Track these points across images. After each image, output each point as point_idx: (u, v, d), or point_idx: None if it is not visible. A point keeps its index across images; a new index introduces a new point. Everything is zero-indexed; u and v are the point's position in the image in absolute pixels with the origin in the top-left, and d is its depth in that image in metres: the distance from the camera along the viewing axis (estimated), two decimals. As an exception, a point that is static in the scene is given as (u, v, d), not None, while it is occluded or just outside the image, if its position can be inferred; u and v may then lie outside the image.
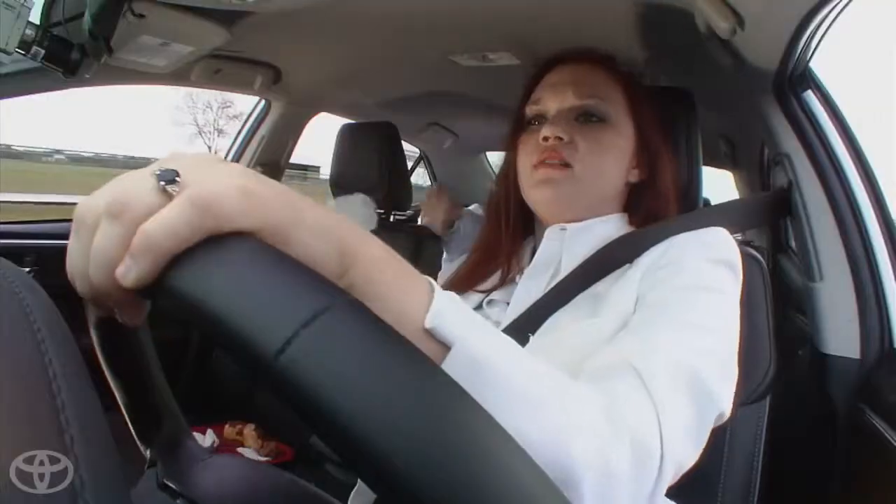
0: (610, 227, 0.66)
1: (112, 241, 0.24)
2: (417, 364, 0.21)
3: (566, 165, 0.64)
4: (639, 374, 0.43)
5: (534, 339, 0.58)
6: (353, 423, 0.19)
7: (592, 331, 0.53)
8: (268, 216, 0.25)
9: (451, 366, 0.30)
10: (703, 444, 0.45)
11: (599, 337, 0.52)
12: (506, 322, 0.62)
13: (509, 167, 0.72)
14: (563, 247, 0.66)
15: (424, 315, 0.30)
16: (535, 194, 0.67)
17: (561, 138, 0.64)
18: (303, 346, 0.20)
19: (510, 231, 0.72)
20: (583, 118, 0.66)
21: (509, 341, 0.35)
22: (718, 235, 0.59)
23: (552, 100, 0.68)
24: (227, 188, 0.24)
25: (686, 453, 0.43)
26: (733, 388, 0.48)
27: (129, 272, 0.23)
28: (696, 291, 0.52)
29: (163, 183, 0.24)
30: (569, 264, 0.63)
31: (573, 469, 0.34)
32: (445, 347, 0.30)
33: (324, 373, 0.19)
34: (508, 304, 0.66)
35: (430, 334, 0.30)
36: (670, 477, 0.41)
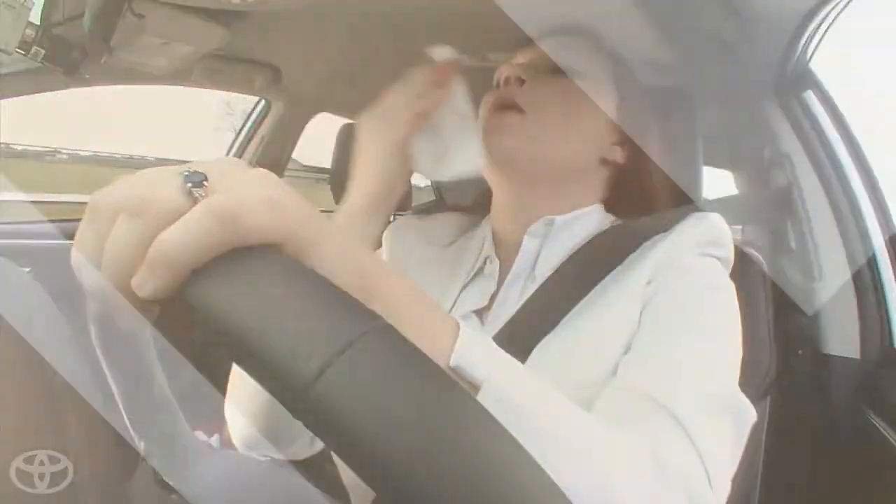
0: (591, 223, 0.55)
1: (129, 241, 0.22)
2: (455, 395, 0.21)
3: (519, 111, 0.52)
4: (668, 410, 0.37)
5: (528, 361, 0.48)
6: (385, 453, 0.19)
7: (594, 352, 0.46)
8: (293, 230, 0.24)
9: None
10: (739, 457, 0.41)
11: (604, 358, 0.45)
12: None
13: None
14: (542, 244, 0.54)
15: (449, 356, 0.28)
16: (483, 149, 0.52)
17: (520, 79, 0.53)
18: (337, 376, 0.19)
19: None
20: (552, 71, 0.54)
21: (540, 382, 0.33)
22: (714, 224, 0.51)
23: (520, 56, 0.58)
24: (255, 199, 0.23)
25: (728, 477, 0.39)
26: None
27: (145, 284, 0.21)
28: (704, 293, 0.46)
29: (189, 185, 0.23)
30: (545, 267, 0.52)
31: None
32: (473, 389, 0.29)
33: (359, 404, 0.19)
34: (477, 311, 0.54)
35: (456, 375, 0.28)
36: None
